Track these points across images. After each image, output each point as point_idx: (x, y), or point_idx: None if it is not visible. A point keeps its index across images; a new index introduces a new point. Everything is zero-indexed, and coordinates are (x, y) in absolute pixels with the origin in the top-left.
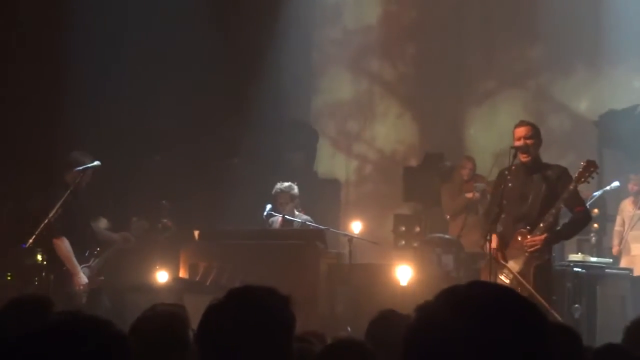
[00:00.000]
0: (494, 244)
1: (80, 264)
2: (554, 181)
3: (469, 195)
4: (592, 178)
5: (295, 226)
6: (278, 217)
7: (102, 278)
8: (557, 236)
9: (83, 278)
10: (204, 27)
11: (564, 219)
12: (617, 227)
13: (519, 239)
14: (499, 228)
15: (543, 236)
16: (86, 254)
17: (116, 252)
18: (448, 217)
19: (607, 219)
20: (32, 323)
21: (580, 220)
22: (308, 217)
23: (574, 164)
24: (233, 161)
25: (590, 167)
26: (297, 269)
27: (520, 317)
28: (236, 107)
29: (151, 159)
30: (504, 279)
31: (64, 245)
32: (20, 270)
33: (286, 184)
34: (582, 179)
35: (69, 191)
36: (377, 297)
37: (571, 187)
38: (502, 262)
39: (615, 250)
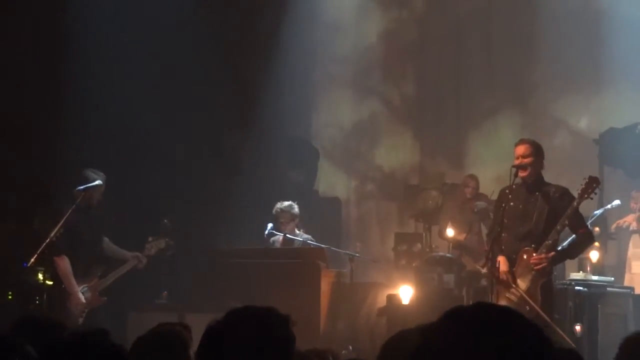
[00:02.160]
0: (503, 267)
1: (82, 284)
2: (556, 200)
3: (462, 237)
4: (595, 194)
5: (296, 245)
6: (279, 236)
7: (105, 298)
8: (563, 255)
9: (80, 298)
10: (205, 45)
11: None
12: (613, 225)
13: (525, 257)
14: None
15: (550, 254)
16: (88, 274)
17: (126, 272)
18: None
19: (609, 237)
20: (45, 341)
21: (585, 242)
22: (309, 236)
23: (575, 182)
24: (234, 180)
25: (593, 183)
26: (298, 288)
27: (526, 340)
28: (237, 125)
29: (152, 177)
30: (512, 297)
31: (64, 264)
32: (21, 289)
33: (286, 203)
34: (585, 195)
35: (70, 210)
36: (379, 316)
37: (575, 203)
38: (512, 285)
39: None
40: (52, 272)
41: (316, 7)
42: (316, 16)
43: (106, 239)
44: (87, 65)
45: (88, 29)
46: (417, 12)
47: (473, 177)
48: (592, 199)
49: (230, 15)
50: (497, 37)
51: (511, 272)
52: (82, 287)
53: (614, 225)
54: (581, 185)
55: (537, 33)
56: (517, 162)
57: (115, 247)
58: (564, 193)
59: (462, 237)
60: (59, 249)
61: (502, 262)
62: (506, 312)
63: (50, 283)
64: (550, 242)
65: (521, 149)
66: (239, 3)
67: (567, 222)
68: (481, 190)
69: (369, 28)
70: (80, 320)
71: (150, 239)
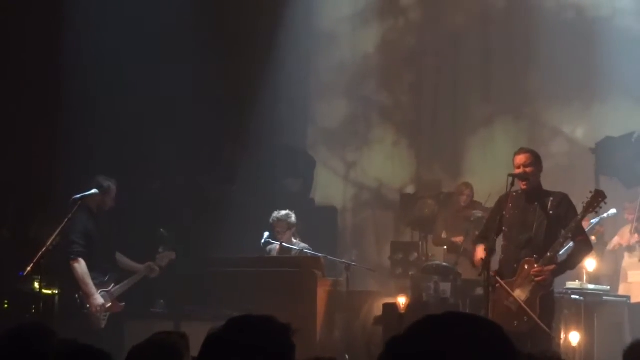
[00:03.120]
0: (480, 254)
1: (100, 288)
2: (555, 208)
3: (459, 239)
4: (600, 208)
5: (293, 254)
6: (276, 245)
7: (123, 304)
8: (563, 267)
9: (99, 299)
10: (202, 54)
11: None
12: (610, 247)
13: (526, 267)
14: (500, 255)
15: (551, 267)
16: (106, 279)
17: (140, 281)
18: (445, 247)
19: (605, 246)
20: (34, 351)
21: (583, 249)
22: (306, 245)
23: (571, 191)
24: (231, 188)
25: (599, 197)
26: (294, 297)
27: (495, 351)
28: (233, 135)
29: (149, 187)
30: (511, 307)
31: (80, 267)
32: (17, 298)
33: (283, 212)
34: (591, 209)
35: (67, 219)
36: (375, 325)
37: (579, 217)
38: (508, 290)
39: (616, 240)
40: (65, 280)
41: (313, 17)
42: (313, 25)
43: (119, 253)
44: (86, 74)
45: (86, 34)
46: (413, 21)
47: (468, 185)
48: (596, 212)
49: (226, 24)
50: (494, 46)
51: (501, 273)
52: (100, 291)
53: (610, 248)
54: (587, 198)
55: (533, 42)
56: (517, 171)
57: (127, 259)
58: (563, 200)
59: (459, 239)
60: (76, 253)
61: (479, 251)
62: (476, 322)
63: (49, 292)
64: (551, 254)
65: (522, 159)
66: (236, 12)
67: (570, 234)
68: (477, 199)
69: (365, 37)
70: (103, 323)
71: (160, 249)
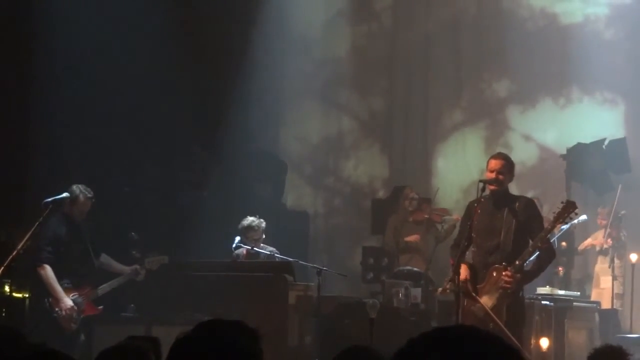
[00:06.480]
0: (463, 275)
1: (71, 292)
2: (521, 213)
3: (412, 238)
4: (571, 219)
5: (261, 257)
6: (243, 250)
7: (101, 307)
8: (529, 276)
9: (67, 302)
10: (173, 59)
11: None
12: (581, 247)
13: (494, 274)
14: (470, 261)
15: (517, 276)
16: (80, 283)
17: (123, 283)
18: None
19: (575, 252)
20: (3, 355)
21: (547, 256)
22: (274, 249)
23: (542, 197)
24: (202, 193)
25: (570, 208)
26: (265, 301)
27: None
28: (205, 139)
29: (120, 191)
30: (478, 313)
31: (45, 273)
32: None
33: (256, 219)
34: (561, 220)
35: (37, 223)
36: (346, 329)
37: (549, 226)
38: (474, 296)
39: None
40: (35, 284)
41: (285, 22)
42: (285, 31)
43: (105, 255)
44: (57, 78)
45: (58, 37)
46: (386, 27)
47: (411, 189)
48: (567, 223)
49: (199, 29)
50: (466, 53)
51: (472, 282)
52: (72, 294)
53: (581, 247)
54: (558, 208)
55: (505, 48)
56: (489, 175)
57: (114, 262)
58: (528, 204)
59: (414, 238)
60: (40, 259)
61: (462, 270)
62: (484, 336)
63: (19, 295)
64: (520, 262)
65: (497, 164)
66: (208, 17)
67: (539, 244)
68: (448, 205)
69: (338, 43)
70: (74, 326)
71: (150, 254)
